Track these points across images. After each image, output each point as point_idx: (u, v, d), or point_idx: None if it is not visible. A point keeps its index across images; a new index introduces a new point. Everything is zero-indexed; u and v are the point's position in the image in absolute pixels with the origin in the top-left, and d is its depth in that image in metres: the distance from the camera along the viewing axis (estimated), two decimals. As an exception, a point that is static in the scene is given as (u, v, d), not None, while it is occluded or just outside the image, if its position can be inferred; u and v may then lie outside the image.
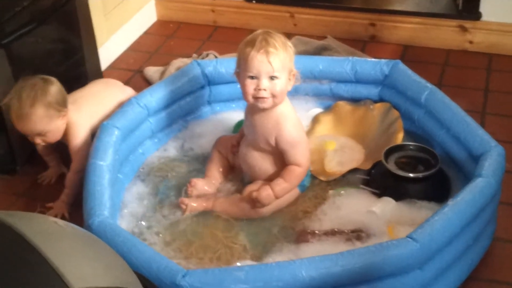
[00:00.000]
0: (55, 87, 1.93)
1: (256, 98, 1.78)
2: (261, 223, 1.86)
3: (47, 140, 1.97)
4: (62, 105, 1.94)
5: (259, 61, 1.74)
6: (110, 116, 2.03)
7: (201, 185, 1.93)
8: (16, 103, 1.88)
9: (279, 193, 1.83)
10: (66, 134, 1.99)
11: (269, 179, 1.87)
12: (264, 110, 1.82)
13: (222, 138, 2.05)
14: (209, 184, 1.94)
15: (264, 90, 1.76)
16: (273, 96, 1.77)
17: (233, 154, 1.99)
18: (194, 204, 1.87)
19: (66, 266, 0.87)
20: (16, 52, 2.05)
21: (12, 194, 2.07)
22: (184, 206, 1.87)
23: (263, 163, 1.89)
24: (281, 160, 1.87)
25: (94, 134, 2.03)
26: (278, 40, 1.77)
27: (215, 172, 1.98)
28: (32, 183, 2.12)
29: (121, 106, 2.05)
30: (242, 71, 1.79)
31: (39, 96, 1.89)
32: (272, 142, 1.84)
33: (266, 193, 1.81)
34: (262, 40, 1.76)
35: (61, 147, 2.07)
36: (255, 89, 1.77)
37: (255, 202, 1.82)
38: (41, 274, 0.84)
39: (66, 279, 0.83)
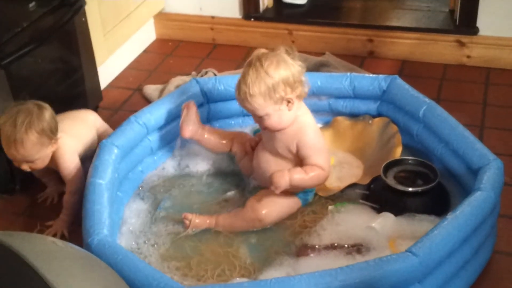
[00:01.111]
0: (48, 113, 1.93)
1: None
2: (261, 238, 1.86)
3: (34, 167, 1.95)
4: (54, 132, 1.93)
5: (240, 103, 1.82)
6: (91, 138, 2.09)
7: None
8: (10, 128, 1.86)
9: (295, 180, 1.81)
10: (54, 158, 1.98)
11: None
12: None
13: (242, 134, 2.08)
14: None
15: (263, 127, 1.83)
16: (273, 127, 1.82)
17: (245, 153, 2.02)
18: (197, 220, 1.88)
19: (63, 286, 0.87)
20: (15, 73, 2.06)
21: (11, 213, 2.07)
22: (187, 222, 1.87)
23: (273, 168, 1.89)
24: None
25: (81, 155, 2.04)
26: (254, 73, 1.76)
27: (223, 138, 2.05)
28: (31, 202, 2.12)
29: (120, 124, 2.05)
30: None
31: (35, 122, 1.88)
32: (293, 148, 1.85)
33: (281, 173, 1.80)
34: (241, 78, 1.79)
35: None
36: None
37: (270, 181, 1.80)
38: (38, 293, 0.84)
39: (64, 299, 0.83)
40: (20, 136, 1.87)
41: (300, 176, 1.81)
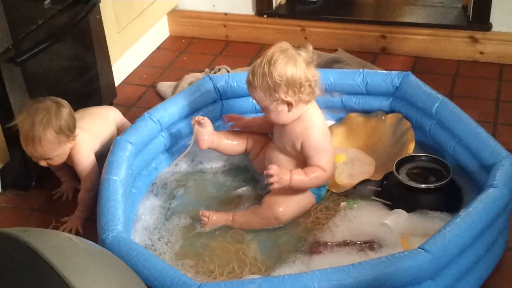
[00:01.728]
0: (67, 111, 1.94)
1: None
2: (274, 235, 1.87)
3: (52, 163, 1.98)
4: (72, 130, 1.95)
5: (248, 90, 1.87)
6: (110, 135, 2.10)
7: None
8: (29, 126, 1.89)
9: (295, 181, 1.82)
10: (70, 154, 2.00)
11: None
12: None
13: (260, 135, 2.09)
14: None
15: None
16: (275, 121, 1.86)
17: (261, 149, 2.03)
18: (214, 218, 1.89)
19: (80, 282, 0.88)
20: (31, 70, 2.08)
21: (27, 209, 2.09)
22: (205, 219, 1.88)
23: (288, 167, 1.90)
24: (305, 166, 1.88)
25: (99, 152, 2.06)
26: (261, 69, 1.79)
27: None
28: (47, 198, 2.14)
29: (134, 121, 2.07)
30: None
31: (53, 120, 1.90)
32: (298, 146, 1.87)
33: (285, 169, 1.82)
34: (253, 65, 1.83)
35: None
36: None
37: (268, 178, 1.81)
38: (55, 288, 0.85)
39: (80, 295, 0.85)
40: (38, 134, 1.89)
41: (300, 178, 1.83)
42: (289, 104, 1.82)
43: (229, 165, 2.14)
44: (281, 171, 1.81)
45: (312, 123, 1.86)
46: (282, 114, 1.83)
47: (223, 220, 1.89)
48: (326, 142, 1.88)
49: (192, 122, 1.98)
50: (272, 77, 1.78)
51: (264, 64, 1.79)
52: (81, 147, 2.01)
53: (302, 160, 1.89)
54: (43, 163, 1.97)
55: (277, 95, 1.80)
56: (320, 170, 1.84)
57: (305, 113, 1.86)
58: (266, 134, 2.06)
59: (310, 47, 1.85)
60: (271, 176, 1.80)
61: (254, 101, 1.94)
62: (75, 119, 1.98)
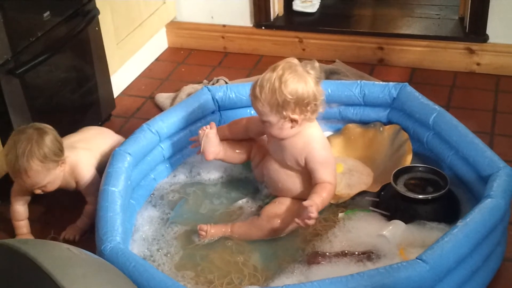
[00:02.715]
0: (50, 137, 1.89)
1: None
2: (273, 245, 1.88)
3: (47, 190, 1.95)
4: (58, 154, 1.91)
5: (251, 102, 1.83)
6: (110, 149, 2.07)
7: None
8: (13, 159, 1.84)
9: (321, 206, 1.79)
10: (73, 173, 2.00)
11: (292, 196, 1.92)
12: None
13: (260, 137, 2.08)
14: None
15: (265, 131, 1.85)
16: (276, 136, 1.84)
17: (263, 156, 2.01)
18: (212, 231, 1.89)
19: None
20: (30, 82, 2.09)
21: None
22: (203, 233, 1.88)
23: (287, 180, 1.91)
24: (306, 178, 1.89)
25: (99, 167, 2.06)
26: (270, 85, 1.77)
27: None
28: (45, 210, 2.14)
29: (133, 132, 2.07)
30: None
31: (35, 150, 1.84)
32: (302, 162, 1.87)
33: (315, 206, 1.75)
34: (260, 78, 1.80)
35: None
36: None
37: (304, 218, 1.74)
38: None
39: (79, 305, 0.85)
40: (24, 166, 1.84)
41: (321, 201, 1.80)
42: (293, 121, 1.81)
43: (227, 177, 2.15)
44: (316, 209, 1.75)
45: (312, 137, 1.86)
46: (284, 130, 1.83)
47: (221, 232, 1.90)
48: (329, 154, 1.89)
49: (200, 132, 1.97)
50: (282, 94, 1.76)
51: (274, 80, 1.77)
52: (82, 166, 2.01)
53: (304, 173, 1.90)
54: (38, 192, 1.94)
55: (284, 113, 1.79)
56: (328, 185, 1.84)
57: (305, 127, 1.86)
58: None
59: (316, 64, 1.85)
60: (313, 218, 1.74)
61: (253, 112, 1.92)
62: (61, 142, 1.93)
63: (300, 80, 1.78)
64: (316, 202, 1.76)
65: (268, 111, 1.79)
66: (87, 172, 2.02)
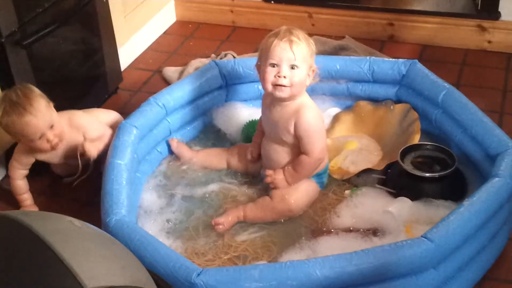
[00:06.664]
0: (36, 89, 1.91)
1: (275, 86, 1.80)
2: (281, 223, 1.87)
3: (58, 134, 1.92)
4: (49, 101, 1.91)
5: (282, 48, 1.78)
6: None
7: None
8: (12, 111, 1.83)
9: (289, 180, 1.87)
10: (72, 124, 1.98)
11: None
12: (283, 101, 1.83)
13: (239, 146, 2.07)
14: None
15: (284, 77, 1.78)
16: (292, 85, 1.79)
17: (252, 164, 2.02)
18: (230, 218, 1.86)
19: (80, 265, 0.88)
20: (37, 53, 2.08)
21: (32, 191, 2.09)
22: (221, 227, 1.84)
23: (279, 155, 1.91)
24: (298, 153, 1.88)
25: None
26: (301, 34, 1.82)
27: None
28: (52, 181, 2.15)
29: (140, 105, 2.06)
30: (264, 60, 1.82)
31: (28, 93, 1.86)
32: (292, 129, 1.85)
33: (280, 177, 1.87)
34: (287, 31, 1.80)
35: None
36: (275, 76, 1.79)
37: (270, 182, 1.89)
38: (55, 273, 0.85)
39: (80, 278, 0.85)
40: (27, 109, 1.84)
41: (290, 175, 1.87)
42: (313, 71, 1.85)
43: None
44: (275, 172, 1.88)
45: (304, 104, 1.85)
46: (304, 80, 1.82)
47: (235, 219, 1.87)
48: (319, 124, 1.87)
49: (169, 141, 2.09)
50: (311, 44, 1.83)
51: (299, 32, 1.81)
52: (87, 123, 2.03)
53: (296, 146, 1.88)
54: (50, 136, 1.90)
55: (310, 61, 1.83)
56: (304, 158, 1.85)
57: (300, 94, 1.85)
58: (242, 146, 2.08)
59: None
60: (267, 177, 1.88)
61: (260, 87, 1.92)
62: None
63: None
64: (279, 177, 1.87)
65: (306, 52, 1.80)
66: (92, 125, 2.02)
